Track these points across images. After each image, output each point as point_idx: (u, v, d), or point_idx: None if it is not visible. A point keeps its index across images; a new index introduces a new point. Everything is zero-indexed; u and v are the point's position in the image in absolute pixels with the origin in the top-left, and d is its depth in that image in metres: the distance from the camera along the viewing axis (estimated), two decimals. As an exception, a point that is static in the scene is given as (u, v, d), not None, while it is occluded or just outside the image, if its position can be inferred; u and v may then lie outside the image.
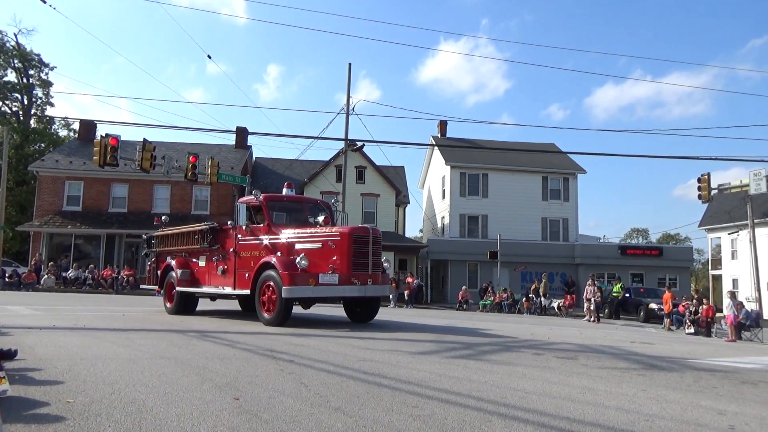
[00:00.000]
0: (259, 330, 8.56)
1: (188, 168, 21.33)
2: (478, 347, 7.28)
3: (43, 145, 42.22)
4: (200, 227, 11.52)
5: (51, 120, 45.36)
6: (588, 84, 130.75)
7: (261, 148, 79.96)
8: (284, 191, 11.16)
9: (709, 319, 18.50)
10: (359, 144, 27.86)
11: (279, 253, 9.45)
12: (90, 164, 26.78)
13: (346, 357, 5.73)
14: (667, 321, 20.60)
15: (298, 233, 9.70)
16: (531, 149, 37.60)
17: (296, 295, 8.95)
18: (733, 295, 18.88)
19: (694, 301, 19.91)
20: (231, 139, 35.33)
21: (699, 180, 22.29)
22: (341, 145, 27.12)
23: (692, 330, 18.44)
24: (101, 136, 18.22)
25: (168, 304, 12.16)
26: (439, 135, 39.55)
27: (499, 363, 5.78)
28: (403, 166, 42.83)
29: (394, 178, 36.67)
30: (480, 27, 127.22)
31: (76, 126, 40.88)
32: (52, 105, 44.74)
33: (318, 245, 9.32)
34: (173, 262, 12.13)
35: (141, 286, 14.46)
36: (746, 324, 17.23)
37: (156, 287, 13.18)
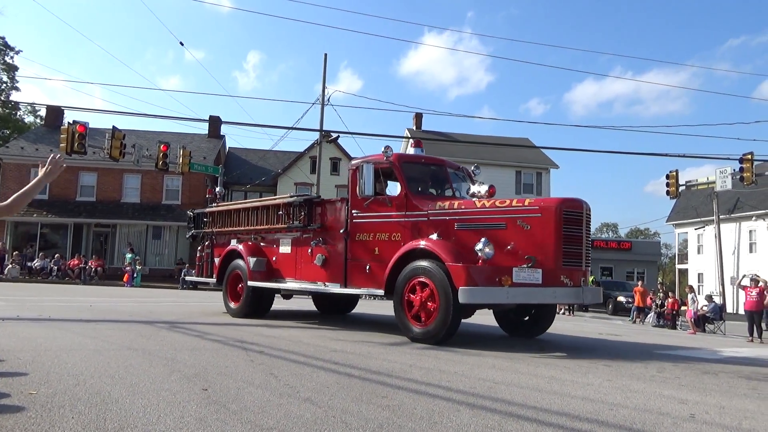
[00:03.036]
0: (229, 321, 8.49)
1: (159, 157, 20.99)
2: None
3: (7, 131, 41.01)
4: (287, 199, 8.79)
5: (16, 106, 44.07)
6: (569, 79, 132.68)
7: (235, 138, 79.24)
8: (412, 150, 8.21)
9: (674, 312, 19.02)
10: (334, 135, 27.78)
11: (435, 235, 6.68)
12: (57, 151, 26.15)
13: (318, 348, 5.72)
14: (635, 313, 21.09)
15: (460, 208, 6.86)
16: (505, 143, 37.94)
17: (480, 300, 6.14)
18: (691, 289, 19.44)
19: (660, 294, 20.43)
20: (204, 129, 34.84)
21: (667, 176, 22.80)
22: (316, 136, 26.99)
23: (658, 322, 18.91)
24: (68, 122, 17.79)
25: (232, 304, 9.46)
26: (414, 128, 39.62)
27: (470, 354, 5.84)
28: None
29: (369, 170, 36.64)
30: (466, 19, 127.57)
31: (43, 112, 39.83)
32: (17, 90, 43.46)
33: (499, 226, 6.49)
34: (240, 248, 9.32)
35: (188, 278, 11.92)
36: (710, 317, 17.75)
37: (210, 280, 10.33)
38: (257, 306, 9.14)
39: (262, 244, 9.33)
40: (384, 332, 7.72)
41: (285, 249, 8.86)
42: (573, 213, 6.41)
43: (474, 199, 7.14)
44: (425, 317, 6.44)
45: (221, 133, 35.82)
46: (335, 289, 7.82)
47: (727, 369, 6.04)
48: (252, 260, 8.95)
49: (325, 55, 26.31)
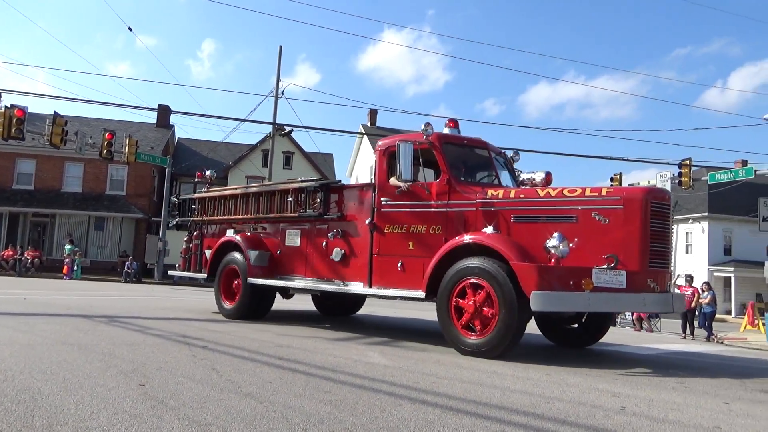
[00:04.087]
0: (173, 316, 8.30)
1: (103, 145, 20.27)
2: (397, 334, 7.39)
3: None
4: (298, 184, 7.78)
5: (-52, 86, 41.58)
6: (524, 82, 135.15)
7: (185, 129, 77.11)
8: (446, 131, 6.84)
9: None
10: (287, 129, 27.48)
11: (491, 228, 5.77)
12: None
13: (263, 343, 5.66)
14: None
15: (519, 197, 6.00)
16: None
17: (556, 307, 5.28)
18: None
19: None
20: (153, 117, 33.77)
21: (611, 179, 23.61)
22: (269, 129, 26.63)
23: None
24: (5, 106, 16.91)
25: (226, 303, 8.30)
26: (369, 124, 39.64)
27: (415, 349, 5.90)
28: (332, 154, 42.71)
29: (323, 165, 36.45)
30: (426, 17, 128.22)
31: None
32: (-51, 70, 40.97)
33: (569, 219, 5.60)
34: (238, 239, 8.19)
35: (171, 273, 10.57)
36: (648, 315, 18.52)
37: (199, 275, 9.19)
38: (257, 306, 8.09)
39: (263, 235, 8.28)
40: (330, 328, 7.71)
41: (292, 241, 7.80)
42: (660, 205, 5.55)
43: (533, 187, 6.32)
44: (481, 326, 5.47)
45: (170, 123, 34.85)
46: (357, 288, 6.83)
47: (659, 364, 6.33)
48: (253, 254, 7.85)
49: (281, 47, 26.07)
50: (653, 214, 5.43)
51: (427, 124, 6.37)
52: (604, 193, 5.64)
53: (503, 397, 3.65)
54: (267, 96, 25.30)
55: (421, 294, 6.01)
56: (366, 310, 10.81)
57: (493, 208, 5.97)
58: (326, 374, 4.15)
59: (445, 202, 6.21)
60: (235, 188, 9.11)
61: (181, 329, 6.42)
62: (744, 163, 30.38)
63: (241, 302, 8.03)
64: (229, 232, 8.59)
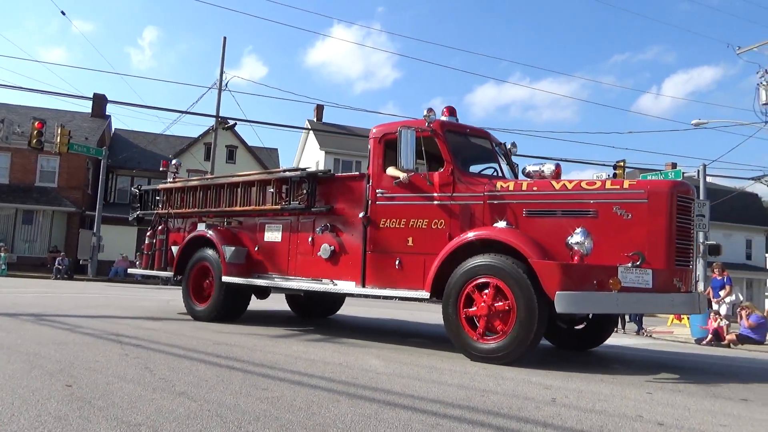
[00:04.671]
0: (106, 313, 7.99)
1: (33, 135, 19.24)
2: (339, 330, 7.39)
3: None
4: (280, 174, 7.29)
5: None
6: (471, 82, 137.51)
7: (122, 120, 74.09)
8: (444, 119, 6.34)
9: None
10: (231, 122, 26.90)
11: (503, 223, 5.38)
12: None
13: (200, 341, 5.54)
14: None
15: (531, 190, 5.60)
16: (404, 140, 38.66)
17: (583, 309, 5.04)
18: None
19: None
20: (88, 107, 32.27)
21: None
22: (211, 122, 25.99)
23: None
24: None
25: (196, 305, 7.67)
26: (315, 119, 39.32)
27: (356, 345, 5.92)
28: (277, 149, 42.05)
29: (267, 160, 35.91)
30: (376, 14, 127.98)
31: None
32: None
33: (587, 213, 5.26)
34: (211, 233, 7.55)
35: (131, 271, 9.85)
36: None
37: (165, 273, 8.61)
38: (231, 306, 7.48)
39: (237, 230, 7.67)
40: (271, 325, 7.62)
41: (273, 236, 7.23)
42: (685, 199, 5.22)
43: (537, 179, 5.96)
44: (496, 330, 5.08)
45: (107, 113, 33.42)
46: (348, 288, 6.37)
47: (591, 357, 6.59)
48: (228, 250, 7.26)
49: (224, 38, 25.42)
50: (678, 209, 5.13)
51: (430, 110, 5.93)
52: (626, 186, 5.32)
53: (440, 392, 3.72)
54: (210, 88, 24.69)
55: (425, 294, 5.58)
56: (343, 310, 10.49)
57: (502, 202, 5.59)
58: (265, 371, 4.11)
59: (449, 194, 5.79)
60: (207, 178, 8.45)
61: (114, 327, 6.19)
62: (674, 165, 31.99)
63: (214, 303, 7.42)
64: (200, 227, 7.92)
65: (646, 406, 3.64)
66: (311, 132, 37.62)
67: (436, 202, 5.86)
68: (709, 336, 11.05)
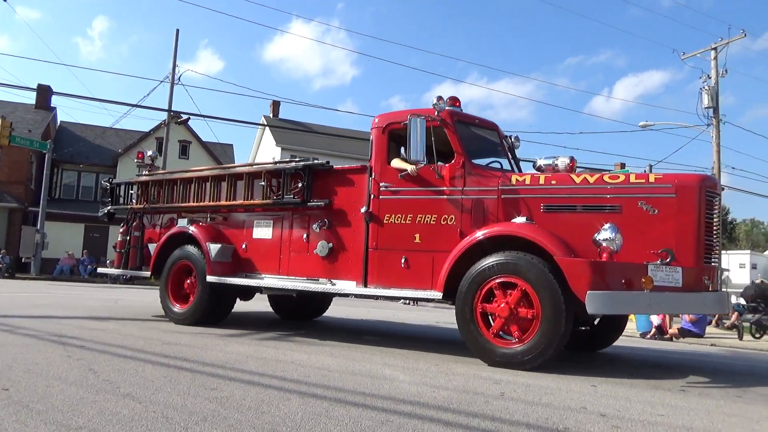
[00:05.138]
0: (50, 313, 7.70)
1: (-30, 126, 18.31)
2: (293, 328, 7.34)
3: None
4: (271, 166, 6.85)
5: None
6: (429, 81, 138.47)
7: (69, 112, 71.05)
8: (438, 103, 5.76)
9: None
10: (184, 117, 26.29)
11: (523, 218, 5.13)
12: None
13: (149, 341, 5.40)
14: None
15: (550, 184, 5.32)
16: (360, 137, 38.63)
17: (616, 310, 4.74)
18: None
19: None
20: (31, 98, 30.89)
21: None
22: (164, 116, 25.33)
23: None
24: None
25: (176, 306, 7.17)
26: (271, 115, 38.82)
27: (309, 343, 5.89)
28: (232, 145, 41.41)
29: (222, 156, 35.25)
30: (335, 11, 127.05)
31: None
32: None
33: (611, 209, 5.03)
34: (194, 230, 7.09)
35: (101, 270, 9.23)
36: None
37: (140, 273, 7.99)
38: (215, 308, 7.01)
39: (222, 226, 7.22)
40: (223, 323, 7.50)
41: (263, 233, 6.82)
42: (713, 194, 5.05)
43: (550, 171, 5.64)
44: (519, 333, 4.78)
45: (52, 105, 32.09)
46: (348, 287, 6.01)
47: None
48: (214, 247, 6.77)
49: (177, 30, 24.80)
50: (707, 206, 4.94)
51: (439, 98, 5.60)
52: (652, 180, 5.08)
53: (392, 388, 3.75)
54: (162, 81, 24.03)
55: (436, 294, 5.26)
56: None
57: (517, 196, 5.33)
58: (215, 371, 4.04)
59: (460, 188, 5.48)
60: (189, 171, 7.93)
61: (57, 328, 5.96)
62: (622, 165, 33.03)
63: (197, 304, 6.91)
64: (182, 222, 7.42)
65: (590, 398, 3.76)
66: (267, 128, 37.15)
67: (445, 197, 5.55)
68: (653, 330, 11.48)
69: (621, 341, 10.61)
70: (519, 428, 2.91)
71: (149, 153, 8.87)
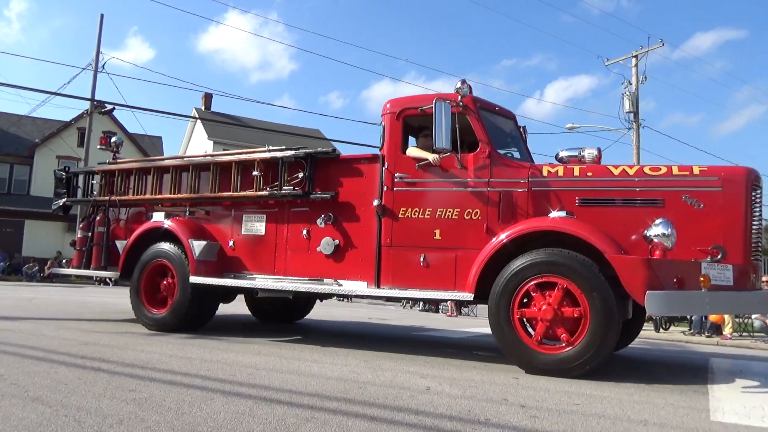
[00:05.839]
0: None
1: None
2: (220, 327, 7.17)
3: None
4: (269, 154, 6.17)
5: None
6: (368, 78, 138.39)
7: (-21, 98, 66.03)
8: (462, 87, 5.24)
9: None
10: (109, 107, 25.06)
11: (562, 212, 4.78)
12: None
13: (65, 341, 5.13)
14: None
15: (585, 176, 5.01)
16: (296, 133, 38.17)
17: (676, 311, 4.70)
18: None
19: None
20: (-65, 82, 28.54)
21: None
22: (87, 105, 24.07)
23: (424, 306, 20.88)
24: None
25: (152, 311, 6.45)
26: (203, 108, 37.71)
27: (237, 342, 5.78)
28: (161, 137, 39.84)
29: (150, 148, 33.92)
30: (273, 3, 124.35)
31: None
32: None
33: (653, 203, 4.77)
34: (172, 225, 6.41)
35: (54, 271, 8.42)
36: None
37: (108, 273, 7.12)
38: (198, 312, 6.35)
39: (204, 221, 6.56)
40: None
41: (254, 228, 6.23)
42: (758, 187, 4.78)
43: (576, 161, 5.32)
44: (567, 334, 4.44)
45: (-40, 90, 29.81)
46: (359, 288, 5.54)
47: (468, 346, 6.94)
48: (198, 245, 6.13)
49: (102, 15, 23.62)
50: (754, 199, 4.71)
51: (463, 81, 5.17)
52: (696, 172, 4.77)
53: (319, 385, 3.73)
54: (84, 68, 22.82)
55: (466, 296, 4.89)
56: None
57: (549, 189, 5.00)
58: (134, 372, 3.89)
59: (486, 180, 5.10)
60: (166, 159, 7.27)
61: (-39, 329, 5.56)
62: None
63: (176, 308, 6.25)
64: (157, 217, 6.70)
65: (512, 390, 3.89)
66: (199, 121, 36.05)
67: (470, 189, 5.16)
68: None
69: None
70: (442, 421, 2.98)
71: (113, 139, 7.89)
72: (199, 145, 36.28)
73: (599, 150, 5.33)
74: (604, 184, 4.95)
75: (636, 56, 22.31)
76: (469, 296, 4.86)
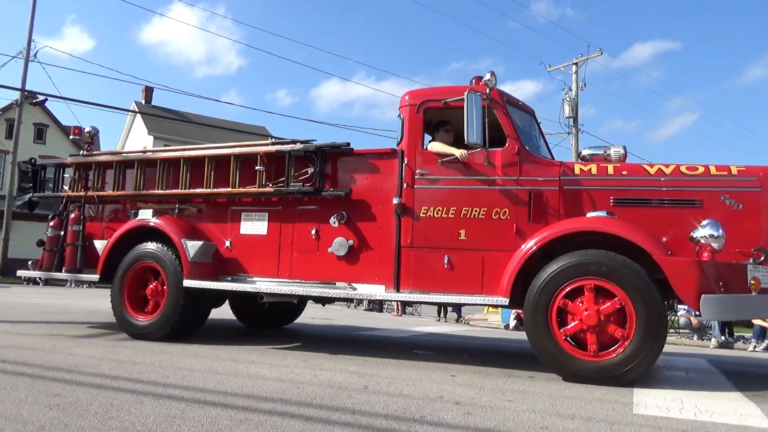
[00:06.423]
0: None
1: None
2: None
3: None
4: (275, 147, 5.72)
5: None
6: (317, 76, 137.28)
7: None
8: (491, 79, 4.95)
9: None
10: (41, 97, 23.88)
11: (602, 212, 4.63)
12: None
13: (-16, 345, 4.85)
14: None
15: (620, 175, 4.83)
16: (241, 130, 37.48)
17: (732, 315, 4.68)
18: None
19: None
20: None
21: None
22: (16, 95, 22.87)
23: (369, 306, 20.95)
24: None
25: (138, 318, 5.85)
26: (143, 102, 36.51)
27: (173, 344, 5.61)
28: (98, 131, 38.25)
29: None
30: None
31: None
32: None
33: (690, 203, 4.65)
34: (161, 223, 5.86)
35: (21, 273, 7.04)
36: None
37: (87, 277, 6.30)
38: (190, 319, 5.87)
39: (196, 219, 6.08)
40: (76, 323, 6.95)
41: (254, 228, 5.81)
42: None
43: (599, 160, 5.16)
44: (613, 341, 4.25)
45: None
46: (376, 292, 5.22)
47: (409, 345, 7.01)
48: (193, 245, 5.64)
49: (34, 0, 22.45)
50: None
51: (492, 73, 4.91)
52: (735, 172, 4.66)
53: (255, 386, 3.69)
54: (14, 57, 21.67)
55: (502, 300, 4.63)
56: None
57: (581, 188, 4.83)
58: (60, 375, 3.72)
59: (515, 177, 4.89)
60: (157, 152, 6.71)
61: None
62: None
63: (168, 315, 5.69)
64: (145, 214, 6.06)
65: (448, 388, 3.96)
66: (138, 115, 34.86)
67: (498, 187, 4.93)
68: (514, 321, 12.35)
69: (488, 332, 11.32)
70: (378, 420, 3.00)
71: (87, 129, 7.17)
72: (138, 140, 35.10)
73: (625, 148, 5.22)
74: (640, 183, 4.80)
75: (576, 63, 23.16)
76: (504, 301, 4.65)
